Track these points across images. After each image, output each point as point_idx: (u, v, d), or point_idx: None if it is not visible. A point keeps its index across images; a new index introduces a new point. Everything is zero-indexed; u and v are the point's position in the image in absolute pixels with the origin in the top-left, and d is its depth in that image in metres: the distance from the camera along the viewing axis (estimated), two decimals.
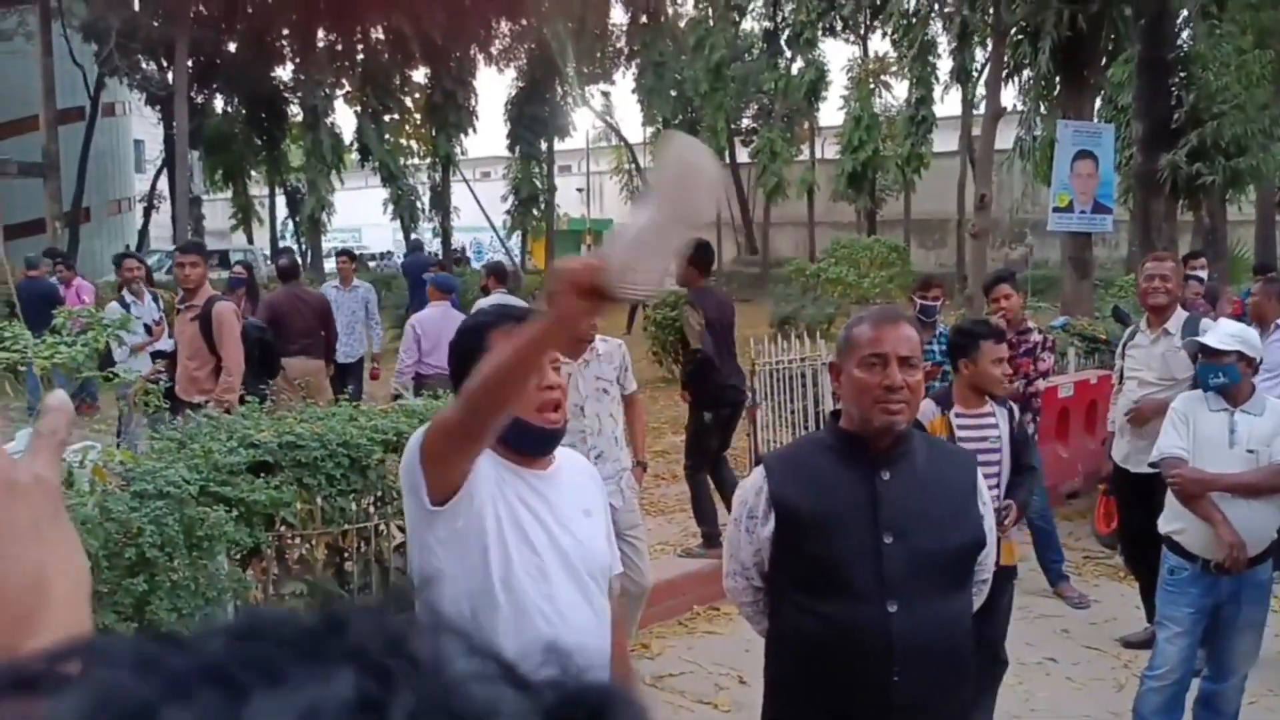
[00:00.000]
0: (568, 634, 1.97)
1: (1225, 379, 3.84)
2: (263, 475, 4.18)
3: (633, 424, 5.09)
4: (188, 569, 3.88)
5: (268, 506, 4.11)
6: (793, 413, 7.19)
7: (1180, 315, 5.17)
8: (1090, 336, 9.50)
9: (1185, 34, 14.70)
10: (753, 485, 2.35)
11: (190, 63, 24.66)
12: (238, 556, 4.20)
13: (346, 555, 4.58)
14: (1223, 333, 3.89)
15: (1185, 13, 14.20)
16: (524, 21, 31.58)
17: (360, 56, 31.24)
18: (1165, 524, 4.02)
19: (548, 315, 1.62)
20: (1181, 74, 13.36)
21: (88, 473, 3.86)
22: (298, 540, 4.41)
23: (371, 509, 4.61)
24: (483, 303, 9.39)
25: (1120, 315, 9.16)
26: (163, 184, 29.86)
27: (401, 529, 4.73)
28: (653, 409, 10.77)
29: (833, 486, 2.24)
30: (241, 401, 4.88)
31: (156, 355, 6.75)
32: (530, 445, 2.07)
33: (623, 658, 2.28)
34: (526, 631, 1.95)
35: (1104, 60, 13.95)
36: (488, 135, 63.83)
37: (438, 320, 7.62)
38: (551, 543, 2.01)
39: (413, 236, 25.68)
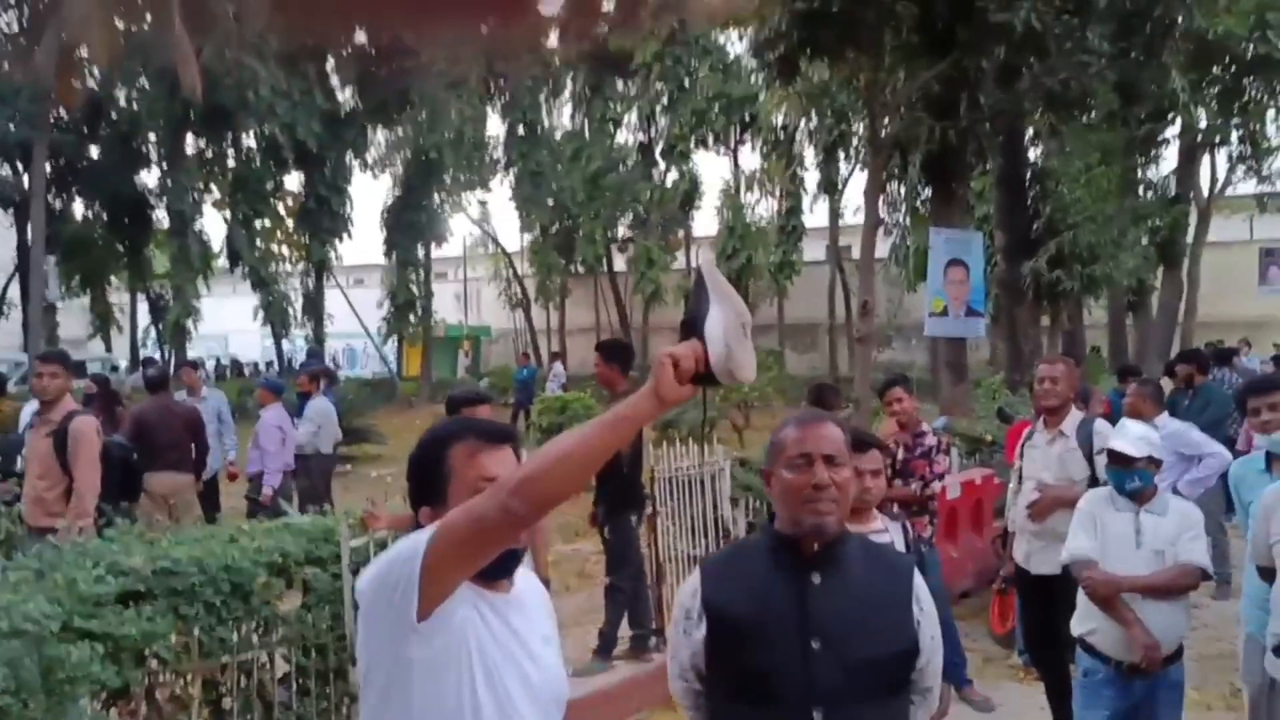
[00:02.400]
0: None
1: (1140, 483, 3.89)
2: (133, 605, 3.81)
3: (534, 539, 4.88)
4: (44, 715, 3.47)
5: (139, 640, 3.73)
6: (690, 518, 7.08)
7: (1075, 416, 5.29)
8: (972, 436, 9.72)
9: (1037, 151, 15.67)
10: (689, 588, 2.33)
11: (49, 167, 23.79)
12: (102, 698, 3.79)
13: (225, 691, 4.20)
14: (1133, 437, 3.95)
15: (1034, 131, 15.16)
16: (400, 130, 31.67)
17: (231, 163, 30.72)
18: (1077, 625, 4.01)
19: (647, 392, 1.72)
20: (1037, 187, 14.19)
21: None
22: (171, 677, 4.02)
23: (255, 638, 4.26)
24: (311, 405, 9.28)
25: (1005, 415, 9.42)
26: (13, 290, 28.44)
27: (287, 659, 4.39)
28: (545, 519, 10.50)
29: (763, 591, 2.21)
30: (106, 524, 4.48)
31: (6, 474, 6.20)
32: (494, 568, 1.90)
33: None
34: None
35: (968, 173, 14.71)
36: (363, 241, 63.31)
37: (284, 419, 8.87)
38: (519, 673, 1.90)
39: (297, 342, 24.90)
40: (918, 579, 2.33)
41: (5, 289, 29.61)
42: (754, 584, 2.23)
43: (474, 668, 1.83)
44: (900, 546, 3.52)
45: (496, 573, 1.91)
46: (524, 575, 2.05)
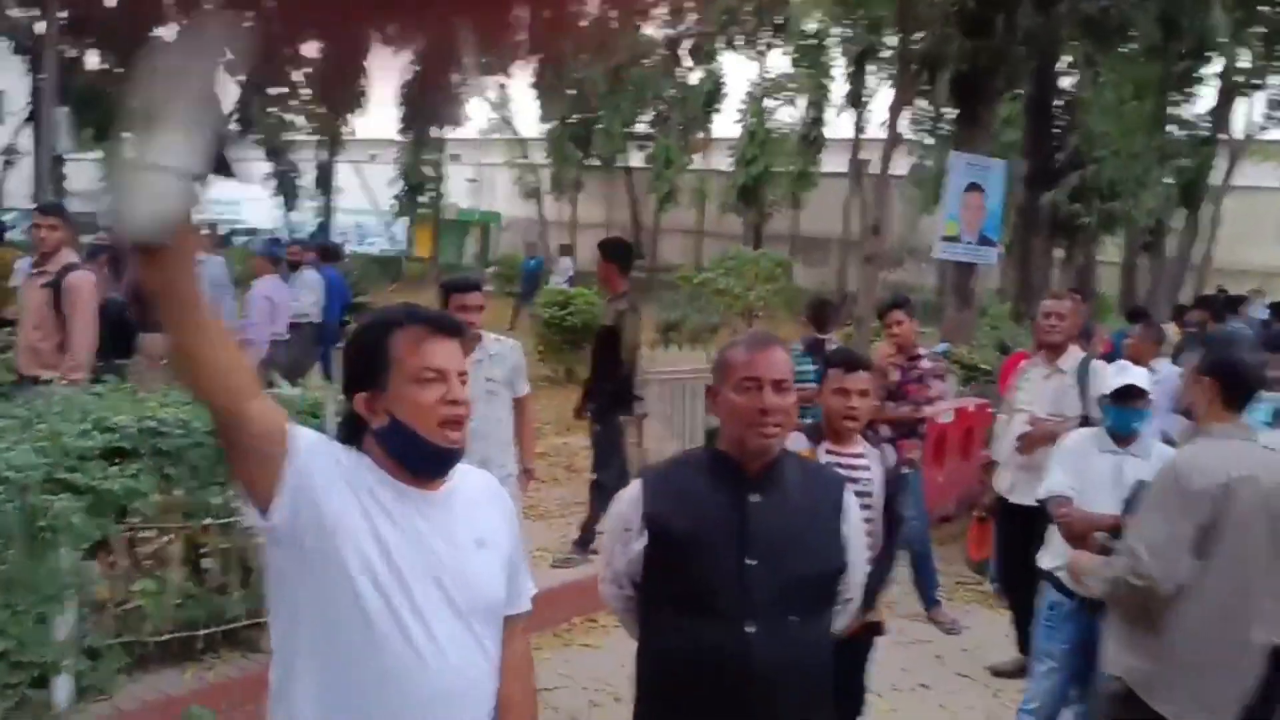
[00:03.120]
0: (447, 678, 1.80)
1: (1143, 422, 3.90)
2: (117, 462, 3.85)
3: (522, 428, 4.91)
4: (25, 562, 3.54)
5: (121, 496, 3.78)
6: (680, 423, 7.11)
7: (1075, 353, 5.26)
8: (970, 365, 9.71)
9: (1070, 80, 15.30)
10: (630, 498, 2.35)
11: (64, 12, 23.27)
12: (83, 549, 3.86)
13: (205, 552, 4.27)
14: (1140, 375, 3.94)
15: (1071, 59, 14.77)
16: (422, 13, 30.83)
17: (247, 25, 30.04)
18: (1047, 559, 4.05)
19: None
20: (1066, 118, 13.89)
21: None
22: (153, 534, 4.08)
23: (236, 502, 4.31)
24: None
25: (1005, 348, 9.39)
26: (25, 139, 28.14)
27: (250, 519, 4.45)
28: (535, 408, 10.58)
29: (703, 507, 2.27)
30: (96, 380, 4.49)
31: (1, 323, 6.19)
32: (424, 465, 1.85)
33: (524, 711, 2.03)
34: (400, 675, 1.76)
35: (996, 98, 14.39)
36: (378, 117, 62.30)
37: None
38: (430, 574, 1.79)
39: (307, 214, 24.64)
40: (848, 497, 2.42)
41: (16, 136, 29.29)
42: (695, 500, 2.29)
43: (367, 567, 1.74)
44: (878, 474, 3.50)
45: (427, 470, 1.85)
46: (471, 475, 1.97)
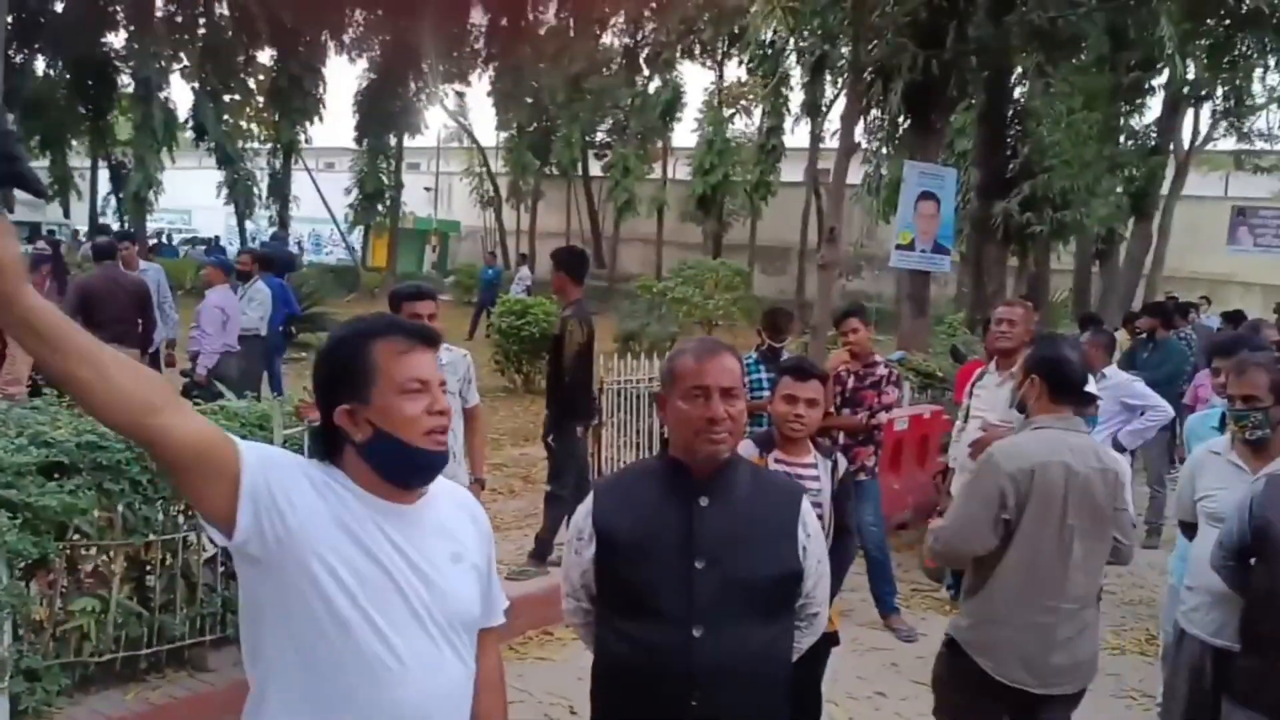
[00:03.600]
0: (418, 693, 1.77)
1: (1090, 428, 3.92)
2: (56, 478, 3.75)
3: (472, 438, 4.86)
4: None
5: (59, 513, 3.68)
6: (638, 432, 7.08)
7: None
8: (925, 372, 9.77)
9: (1022, 90, 15.49)
10: (583, 509, 2.37)
11: (10, 17, 22.87)
12: (20, 568, 3.75)
13: (149, 569, 4.17)
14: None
15: (1022, 69, 14.97)
16: (380, 11, 30.72)
17: (202, 30, 29.72)
18: None
19: None
20: (1018, 127, 14.08)
21: None
22: (93, 551, 3.97)
23: (180, 518, 4.22)
24: (248, 287, 9.06)
25: (958, 354, 9.45)
26: None
27: (214, 541, 4.35)
28: (492, 420, 10.49)
29: (652, 512, 2.27)
30: (36, 394, 4.38)
31: None
32: (412, 475, 1.82)
33: (500, 719, 2.05)
34: (371, 690, 1.74)
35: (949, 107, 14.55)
36: (335, 125, 61.82)
37: (233, 301, 8.71)
38: (396, 587, 1.76)
39: (260, 223, 24.40)
40: (805, 507, 2.39)
41: None
42: (644, 505, 2.29)
43: (336, 582, 1.71)
44: (827, 484, 3.48)
45: (409, 480, 1.82)
46: (444, 489, 1.94)
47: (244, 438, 4.25)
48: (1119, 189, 19.52)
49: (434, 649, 1.80)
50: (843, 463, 3.60)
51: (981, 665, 3.17)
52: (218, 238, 35.47)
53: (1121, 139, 21.07)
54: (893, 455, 8.13)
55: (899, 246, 11.66)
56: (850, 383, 6.15)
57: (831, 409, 6.22)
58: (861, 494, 6.20)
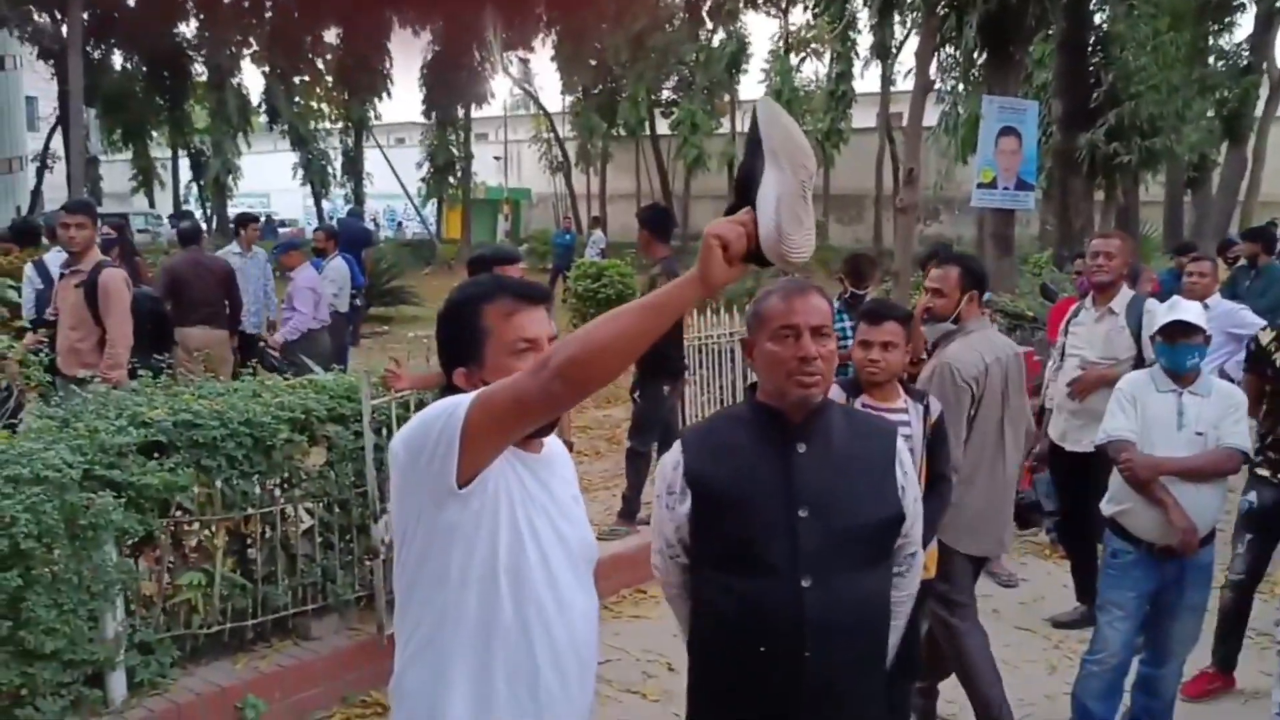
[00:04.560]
0: (569, 624, 1.87)
1: (1199, 359, 3.76)
2: (156, 457, 3.83)
3: None
4: (70, 561, 3.53)
5: (161, 491, 3.76)
6: (720, 388, 7.01)
7: (1126, 294, 5.09)
8: (1013, 313, 9.50)
9: (1103, 14, 14.87)
10: (670, 461, 2.30)
11: (86, 16, 23.43)
12: (128, 546, 3.85)
13: (250, 542, 4.25)
14: (1192, 311, 3.78)
15: None
16: None
17: (268, 14, 30.11)
18: (1109, 506, 3.91)
19: (692, 277, 1.59)
20: (1101, 54, 13.51)
21: None
22: (196, 527, 4.06)
23: (277, 491, 4.29)
24: (329, 265, 9.18)
25: (1048, 292, 9.17)
26: (57, 143, 28.46)
27: (310, 512, 4.42)
28: None
29: (748, 462, 2.20)
30: (132, 376, 4.47)
31: (37, 324, 6.22)
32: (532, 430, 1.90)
33: None
34: (530, 622, 1.83)
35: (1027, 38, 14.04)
36: (403, 100, 62.42)
37: (316, 280, 8.81)
38: (554, 529, 1.87)
39: (337, 201, 24.76)
40: (900, 444, 2.32)
41: (48, 142, 29.61)
42: (738, 455, 2.22)
43: (519, 527, 1.81)
44: (918, 428, 3.37)
45: (533, 434, 1.88)
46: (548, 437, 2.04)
47: (331, 410, 4.31)
48: (1210, 113, 18.70)
49: (578, 585, 1.91)
50: (936, 406, 3.48)
51: (967, 551, 3.81)
52: (267, 218, 36.17)
53: (1211, 60, 20.15)
54: None
55: (980, 185, 11.31)
56: None
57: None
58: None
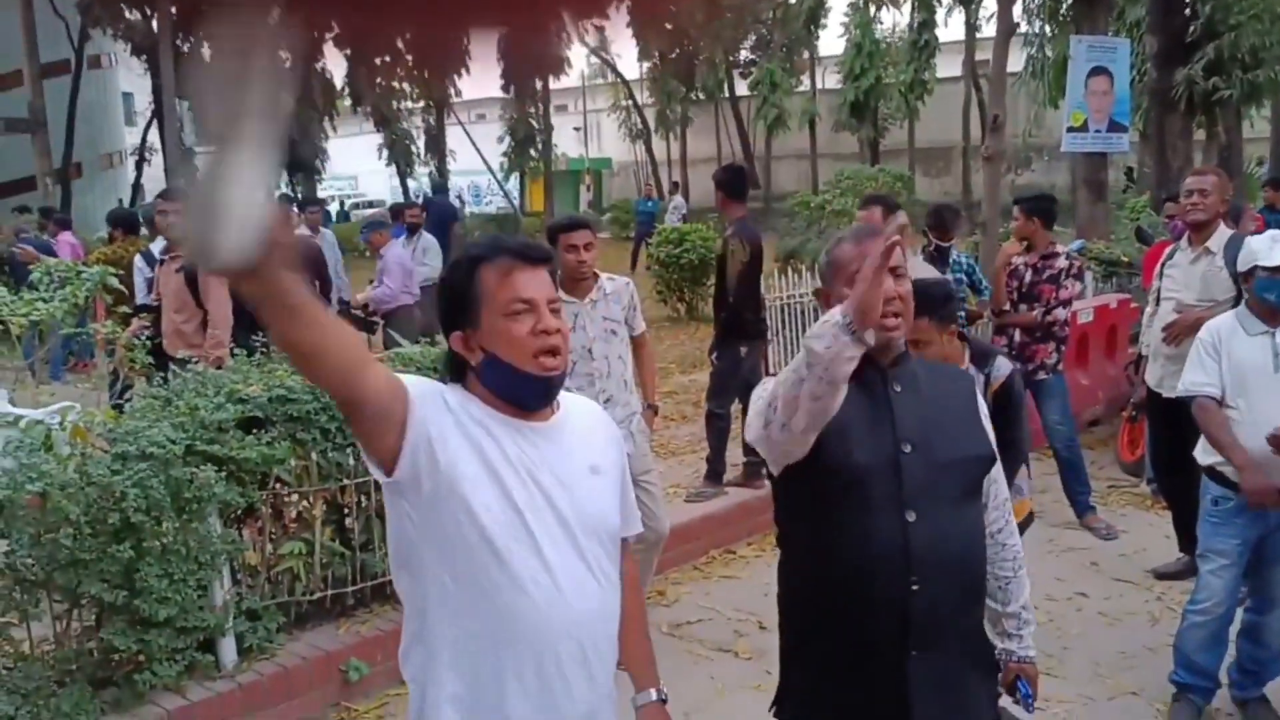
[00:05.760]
0: (566, 606, 1.80)
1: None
2: (253, 432, 3.97)
3: (642, 366, 4.86)
4: (177, 532, 3.70)
5: (260, 464, 3.90)
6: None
7: (1223, 233, 4.89)
8: (1108, 260, 9.22)
9: None
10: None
11: (174, 9, 24.04)
12: (232, 518, 4.01)
13: (347, 511, 4.39)
14: None
15: None
16: None
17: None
18: (1206, 455, 3.79)
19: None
20: None
21: (67, 435, 3.65)
22: (294, 498, 4.21)
23: None
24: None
25: (1143, 236, 8.87)
26: (154, 136, 29.42)
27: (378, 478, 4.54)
28: (659, 349, 10.55)
29: (850, 399, 2.12)
30: (232, 356, 4.64)
31: (141, 309, 6.49)
32: (524, 396, 1.83)
33: (637, 621, 2.09)
34: (528, 607, 1.76)
35: None
36: (482, 77, 62.75)
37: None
38: (546, 503, 1.79)
39: (433, 181, 25.09)
40: (977, 391, 2.36)
41: (145, 135, 30.62)
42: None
43: (485, 503, 1.73)
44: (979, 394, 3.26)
45: (527, 402, 1.83)
46: (578, 403, 1.98)
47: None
48: None
49: (582, 564, 1.82)
50: (1002, 370, 3.40)
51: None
52: (322, 200, 36.83)
53: None
54: (1079, 349, 7.73)
55: (1071, 129, 10.95)
56: (1028, 276, 5.86)
57: (1007, 304, 5.95)
58: (1045, 392, 5.93)
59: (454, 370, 1.86)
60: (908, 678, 2.10)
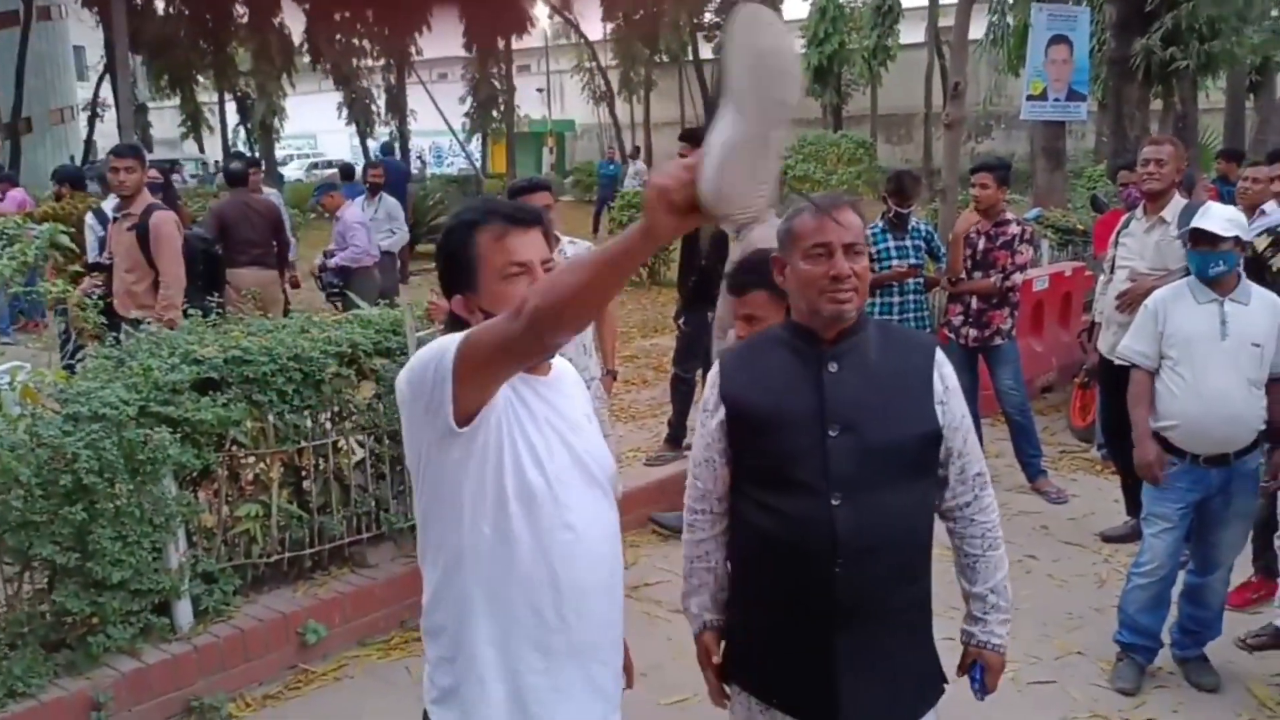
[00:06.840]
0: (590, 543, 1.87)
1: (1225, 267, 3.66)
2: (209, 393, 3.94)
3: (602, 331, 4.87)
4: (131, 494, 3.67)
5: (215, 426, 3.88)
6: None
7: (1178, 203, 4.96)
8: (1064, 228, 9.32)
9: None
10: (711, 379, 2.33)
11: None
12: (187, 480, 3.99)
13: (305, 474, 4.37)
14: (1220, 218, 3.68)
15: None
16: None
17: None
18: (1154, 420, 3.88)
19: (640, 229, 1.46)
20: None
21: (16, 396, 3.60)
22: (251, 460, 4.19)
23: (329, 424, 4.40)
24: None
25: (1098, 204, 8.98)
26: (106, 91, 28.75)
27: (361, 444, 4.53)
28: (620, 313, 10.55)
29: (781, 381, 2.20)
30: (185, 317, 4.58)
31: (94, 268, 6.37)
32: None
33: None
34: (548, 546, 1.82)
35: None
36: (443, 35, 61.85)
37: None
38: (566, 448, 1.87)
39: (382, 141, 24.77)
40: (940, 358, 2.26)
41: (97, 90, 29.91)
42: (772, 374, 2.22)
43: (527, 452, 1.80)
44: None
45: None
46: (558, 360, 2.04)
47: (377, 343, 4.38)
48: (1275, 12, 17.87)
49: (594, 504, 1.90)
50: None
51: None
52: (252, 158, 36.30)
53: None
54: (1033, 316, 7.84)
55: (1030, 98, 11.02)
56: (981, 244, 5.93)
57: (963, 273, 6.02)
58: (999, 358, 6.02)
59: (458, 331, 1.88)
60: (834, 654, 2.12)
